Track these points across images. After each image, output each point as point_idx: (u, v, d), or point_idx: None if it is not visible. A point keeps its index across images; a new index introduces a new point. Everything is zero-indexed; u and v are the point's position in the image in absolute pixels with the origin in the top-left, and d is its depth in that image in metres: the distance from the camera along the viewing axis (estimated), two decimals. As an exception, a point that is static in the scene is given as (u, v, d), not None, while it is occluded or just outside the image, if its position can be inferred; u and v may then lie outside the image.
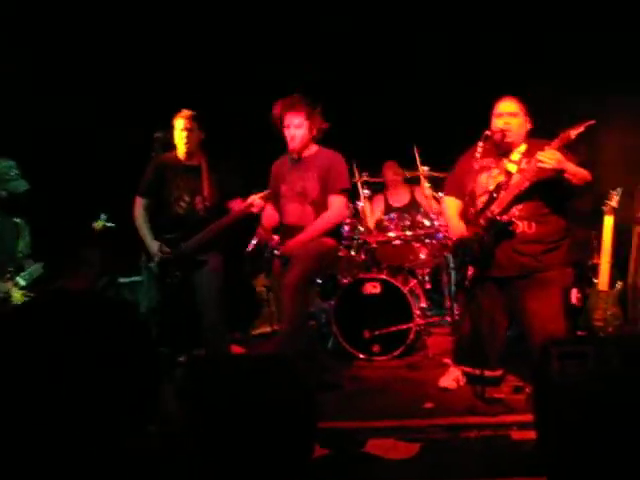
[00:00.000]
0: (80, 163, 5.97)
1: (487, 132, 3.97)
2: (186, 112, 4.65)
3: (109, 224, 5.19)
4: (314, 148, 4.61)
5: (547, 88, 4.21)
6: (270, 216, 4.76)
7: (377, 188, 6.56)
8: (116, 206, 5.09)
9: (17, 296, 4.34)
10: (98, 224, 5.15)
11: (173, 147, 4.73)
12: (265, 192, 4.62)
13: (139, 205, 4.74)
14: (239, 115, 6.33)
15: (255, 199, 4.55)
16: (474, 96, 5.07)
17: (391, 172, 6.47)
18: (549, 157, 3.67)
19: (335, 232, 4.65)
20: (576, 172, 3.75)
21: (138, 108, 6.07)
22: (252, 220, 4.84)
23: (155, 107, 5.16)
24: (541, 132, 4.07)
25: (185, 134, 4.61)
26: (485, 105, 4.12)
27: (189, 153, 4.66)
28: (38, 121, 5.89)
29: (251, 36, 6.61)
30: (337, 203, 4.53)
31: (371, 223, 5.93)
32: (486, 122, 4.07)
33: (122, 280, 5.83)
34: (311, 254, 4.39)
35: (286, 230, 4.62)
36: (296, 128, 4.46)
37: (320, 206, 4.52)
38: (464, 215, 4.13)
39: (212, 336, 4.56)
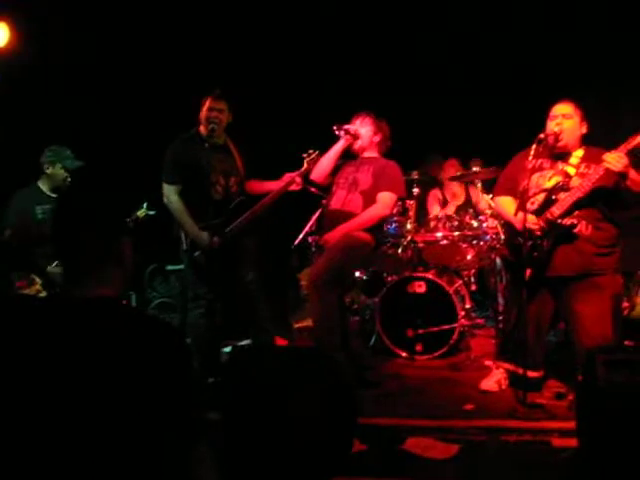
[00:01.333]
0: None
1: (541, 135, 3.94)
2: (218, 92, 4.54)
3: (151, 212, 5.06)
4: (374, 154, 4.76)
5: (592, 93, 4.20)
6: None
7: (427, 186, 6.54)
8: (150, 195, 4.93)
9: None
10: (141, 213, 5.02)
11: (193, 125, 4.57)
12: (302, 169, 4.67)
13: (173, 193, 4.46)
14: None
15: (294, 177, 4.60)
16: (531, 97, 5.04)
17: (453, 170, 6.41)
18: (617, 159, 3.64)
19: (373, 228, 4.58)
20: (637, 180, 3.73)
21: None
22: (302, 213, 4.85)
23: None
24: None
25: (214, 114, 4.48)
26: (542, 107, 4.11)
27: (217, 134, 4.53)
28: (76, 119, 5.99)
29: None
30: (385, 198, 4.56)
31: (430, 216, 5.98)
32: (542, 124, 4.06)
33: (170, 268, 5.88)
34: (339, 247, 4.36)
35: (328, 216, 4.67)
36: (361, 126, 4.69)
37: (369, 197, 4.54)
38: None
39: (258, 326, 4.55)
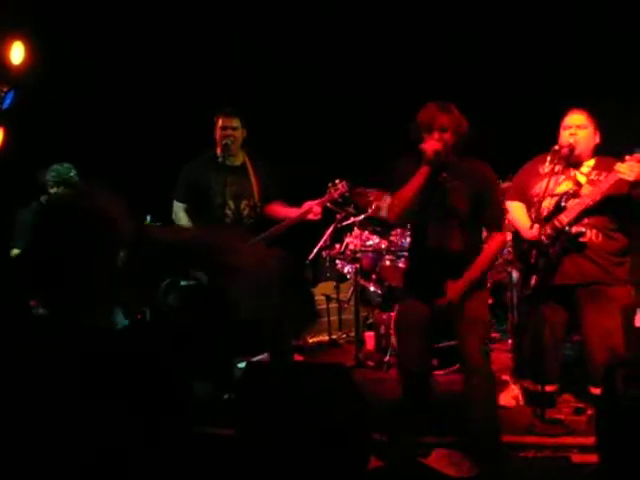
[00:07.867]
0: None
1: (555, 146, 3.89)
2: (229, 109, 4.45)
3: (157, 224, 5.02)
4: (454, 157, 3.51)
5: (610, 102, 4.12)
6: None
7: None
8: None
9: None
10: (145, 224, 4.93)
11: (213, 146, 4.49)
12: (323, 199, 4.57)
13: (181, 211, 4.47)
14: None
15: (313, 206, 4.48)
16: (543, 106, 4.99)
17: None
18: (630, 168, 3.60)
19: None
20: None
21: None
22: (315, 227, 4.76)
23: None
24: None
25: (228, 132, 4.38)
26: (555, 116, 4.06)
27: (232, 154, 4.43)
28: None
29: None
30: (498, 242, 3.61)
31: None
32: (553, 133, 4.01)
33: (184, 283, 5.86)
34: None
35: (423, 253, 3.64)
36: (444, 134, 3.41)
37: (467, 227, 3.52)
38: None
39: (278, 342, 4.50)
